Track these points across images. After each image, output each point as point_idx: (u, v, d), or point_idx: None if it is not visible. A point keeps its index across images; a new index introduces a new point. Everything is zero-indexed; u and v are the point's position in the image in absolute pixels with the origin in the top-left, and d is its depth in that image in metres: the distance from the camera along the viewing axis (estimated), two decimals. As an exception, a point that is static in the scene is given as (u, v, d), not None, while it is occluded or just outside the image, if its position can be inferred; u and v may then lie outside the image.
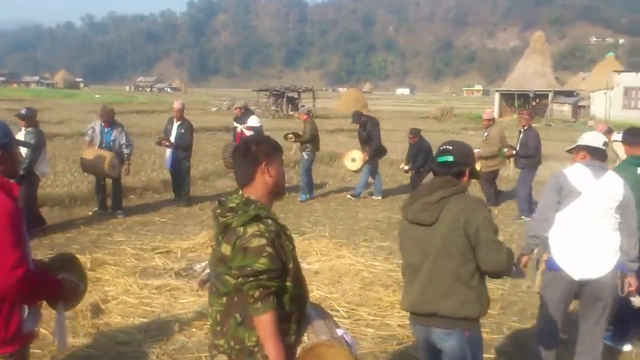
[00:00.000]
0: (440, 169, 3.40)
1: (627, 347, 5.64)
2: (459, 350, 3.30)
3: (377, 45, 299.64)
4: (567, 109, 44.22)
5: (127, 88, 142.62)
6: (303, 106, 30.53)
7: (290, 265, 2.57)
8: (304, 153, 12.04)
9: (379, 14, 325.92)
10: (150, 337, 5.33)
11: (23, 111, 9.17)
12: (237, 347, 2.55)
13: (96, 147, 10.01)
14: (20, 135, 8.68)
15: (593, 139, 4.74)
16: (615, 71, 45.51)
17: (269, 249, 2.47)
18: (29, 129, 8.88)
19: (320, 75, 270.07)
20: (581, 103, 45.18)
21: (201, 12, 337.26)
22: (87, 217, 10.07)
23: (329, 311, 5.91)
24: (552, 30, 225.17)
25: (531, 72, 47.41)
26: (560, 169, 4.75)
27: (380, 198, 12.38)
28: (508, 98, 47.28)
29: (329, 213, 11.06)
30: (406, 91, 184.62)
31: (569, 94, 47.91)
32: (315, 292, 6.48)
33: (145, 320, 5.72)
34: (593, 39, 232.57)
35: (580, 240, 4.35)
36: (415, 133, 12.29)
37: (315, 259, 7.83)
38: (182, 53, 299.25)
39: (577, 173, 4.47)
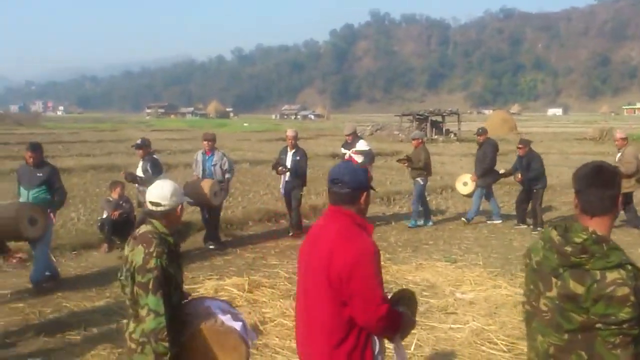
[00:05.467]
0: None
1: None
2: None
3: (525, 65, 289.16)
4: None
5: (273, 116, 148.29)
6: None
7: None
8: (418, 179, 11.72)
9: (527, 32, 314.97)
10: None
11: (139, 141, 9.57)
12: None
13: (199, 176, 9.87)
14: (138, 165, 9.55)
15: None
16: None
17: (632, 298, 2.34)
18: (145, 157, 9.44)
19: (464, 97, 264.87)
20: None
21: (343, 40, 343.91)
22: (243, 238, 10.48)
23: (487, 343, 5.72)
24: None
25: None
26: None
27: (499, 222, 11.98)
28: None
29: (480, 241, 10.69)
30: (559, 111, 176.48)
31: None
32: (472, 323, 6.28)
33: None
34: None
35: None
36: (525, 144, 11.83)
37: (469, 288, 7.59)
38: (324, 80, 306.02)
39: None
